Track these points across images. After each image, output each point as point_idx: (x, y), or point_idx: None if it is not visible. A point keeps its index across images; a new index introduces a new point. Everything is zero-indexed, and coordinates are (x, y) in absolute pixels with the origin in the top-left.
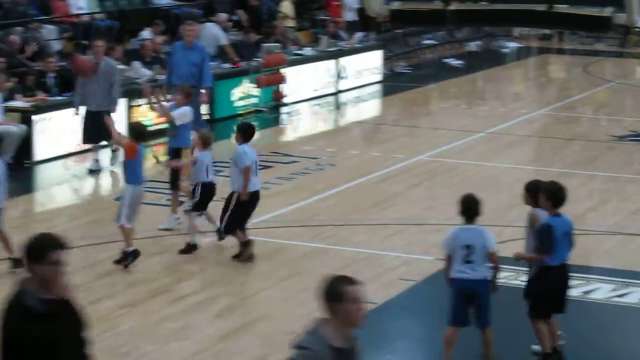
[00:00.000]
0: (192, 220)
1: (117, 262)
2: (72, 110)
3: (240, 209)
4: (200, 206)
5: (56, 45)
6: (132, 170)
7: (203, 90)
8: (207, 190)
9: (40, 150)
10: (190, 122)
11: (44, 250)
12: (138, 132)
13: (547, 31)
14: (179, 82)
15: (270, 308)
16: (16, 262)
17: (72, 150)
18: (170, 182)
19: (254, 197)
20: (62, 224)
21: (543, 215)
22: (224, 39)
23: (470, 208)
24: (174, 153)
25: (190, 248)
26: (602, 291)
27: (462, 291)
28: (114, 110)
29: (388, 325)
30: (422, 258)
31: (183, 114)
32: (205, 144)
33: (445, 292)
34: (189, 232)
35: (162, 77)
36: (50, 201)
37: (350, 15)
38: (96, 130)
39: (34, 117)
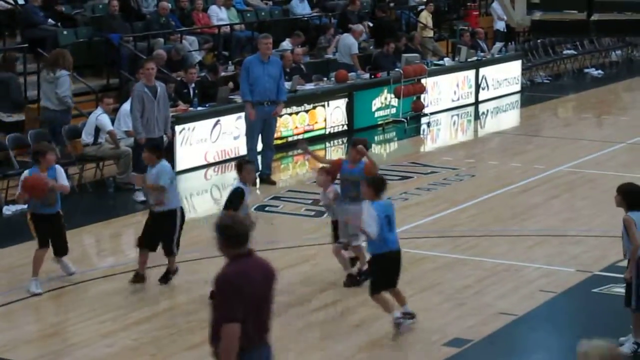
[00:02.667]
0: None
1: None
2: (212, 120)
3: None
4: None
5: (197, 56)
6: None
7: (280, 105)
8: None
9: (181, 160)
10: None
11: None
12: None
13: None
14: (262, 98)
15: None
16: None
17: (213, 161)
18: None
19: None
20: (203, 234)
21: (635, 217)
22: (355, 48)
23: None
24: None
25: None
26: None
27: None
28: (170, 136)
29: (528, 337)
30: (563, 270)
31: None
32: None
33: (586, 304)
34: None
35: (304, 87)
36: (192, 211)
37: (500, 25)
38: None
39: (175, 128)
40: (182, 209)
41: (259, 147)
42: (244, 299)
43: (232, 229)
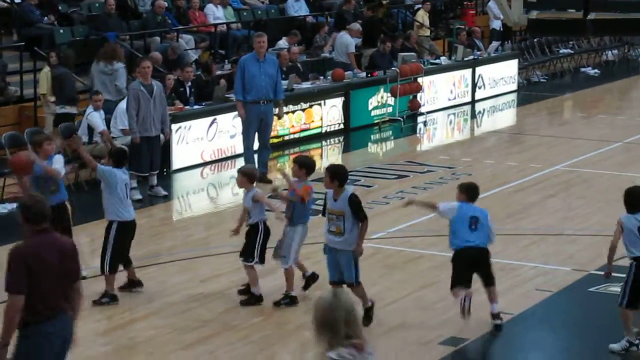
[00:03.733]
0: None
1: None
2: (208, 119)
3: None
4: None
5: (193, 55)
6: (305, 211)
7: (280, 104)
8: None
9: (177, 159)
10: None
11: None
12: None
13: None
14: (259, 96)
15: (405, 318)
16: None
17: (209, 159)
18: None
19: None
20: (199, 232)
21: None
22: (351, 47)
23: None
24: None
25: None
26: None
27: None
28: (167, 135)
29: (524, 336)
30: (559, 269)
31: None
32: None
33: (582, 303)
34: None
35: (300, 86)
36: (188, 209)
37: (497, 24)
38: (155, 157)
39: (172, 126)
40: (124, 224)
41: (256, 145)
42: (30, 272)
43: (29, 209)
